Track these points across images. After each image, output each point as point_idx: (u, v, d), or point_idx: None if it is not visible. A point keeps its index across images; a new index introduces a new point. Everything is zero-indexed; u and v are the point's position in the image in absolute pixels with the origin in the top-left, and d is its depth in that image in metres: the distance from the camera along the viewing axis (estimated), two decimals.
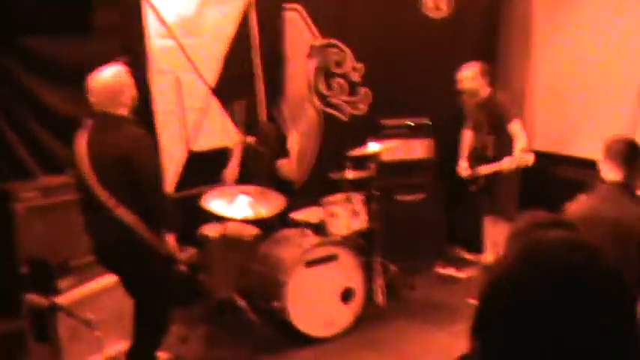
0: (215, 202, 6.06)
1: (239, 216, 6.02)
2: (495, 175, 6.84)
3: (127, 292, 4.91)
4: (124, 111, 4.70)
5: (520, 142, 6.56)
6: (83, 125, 4.77)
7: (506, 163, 6.47)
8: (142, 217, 4.56)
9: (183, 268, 4.98)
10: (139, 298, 4.85)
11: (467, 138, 7.25)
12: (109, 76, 4.74)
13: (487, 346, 1.33)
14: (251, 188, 6.21)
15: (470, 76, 6.77)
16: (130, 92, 4.81)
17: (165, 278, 4.83)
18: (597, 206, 4.11)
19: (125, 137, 4.57)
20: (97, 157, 4.58)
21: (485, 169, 6.83)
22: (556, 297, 1.23)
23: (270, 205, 6.27)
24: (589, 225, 3.85)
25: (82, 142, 4.64)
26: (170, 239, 4.75)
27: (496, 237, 7.27)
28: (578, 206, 4.24)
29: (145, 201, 4.56)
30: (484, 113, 6.80)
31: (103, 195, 4.52)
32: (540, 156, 7.11)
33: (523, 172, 6.94)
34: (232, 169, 6.60)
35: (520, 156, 6.44)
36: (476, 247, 7.67)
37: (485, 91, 6.82)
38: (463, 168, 7.11)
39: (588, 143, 7.19)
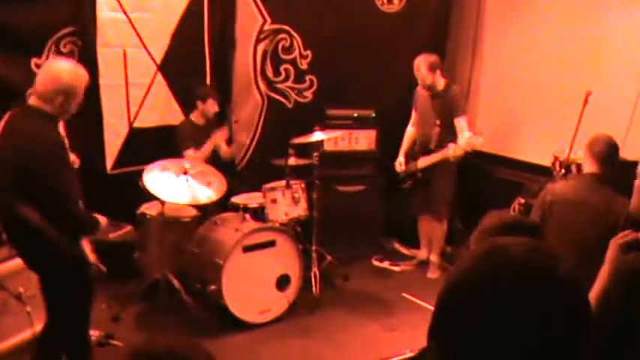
0: (155, 182, 5.96)
1: (177, 201, 5.94)
2: (432, 172, 6.92)
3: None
4: (57, 111, 4.28)
5: (463, 137, 6.64)
6: (13, 107, 4.51)
7: (452, 149, 6.54)
8: (49, 218, 4.23)
9: (100, 267, 4.79)
10: (47, 292, 4.58)
11: (409, 134, 7.32)
12: (67, 71, 4.30)
13: (442, 345, 1.33)
14: (195, 167, 6.14)
15: (423, 72, 6.82)
16: (75, 99, 4.37)
17: (75, 279, 4.48)
18: (579, 191, 4.50)
19: (42, 137, 4.21)
20: (8, 148, 4.24)
21: (425, 161, 6.90)
22: (510, 299, 1.24)
23: (210, 190, 6.22)
24: (574, 206, 4.43)
25: None
26: (85, 244, 4.52)
27: (430, 235, 7.37)
28: (562, 189, 4.63)
29: (53, 210, 4.22)
30: (436, 105, 6.88)
31: (10, 188, 4.20)
32: (479, 156, 7.22)
33: (460, 171, 7.05)
34: (199, 158, 6.64)
35: (469, 140, 6.52)
36: (412, 241, 7.76)
37: (440, 83, 6.92)
38: (399, 163, 7.19)
39: (528, 146, 7.34)
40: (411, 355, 1.68)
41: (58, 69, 4.30)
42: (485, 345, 1.25)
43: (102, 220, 4.63)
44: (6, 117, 4.34)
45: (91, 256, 4.59)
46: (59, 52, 6.38)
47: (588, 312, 1.30)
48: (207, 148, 6.78)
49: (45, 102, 4.24)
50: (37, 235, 4.24)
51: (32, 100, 4.31)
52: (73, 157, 4.89)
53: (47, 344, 4.65)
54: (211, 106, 6.89)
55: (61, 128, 4.88)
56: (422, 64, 6.83)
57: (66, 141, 4.68)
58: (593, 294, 2.79)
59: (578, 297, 1.29)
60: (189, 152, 6.68)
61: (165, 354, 1.73)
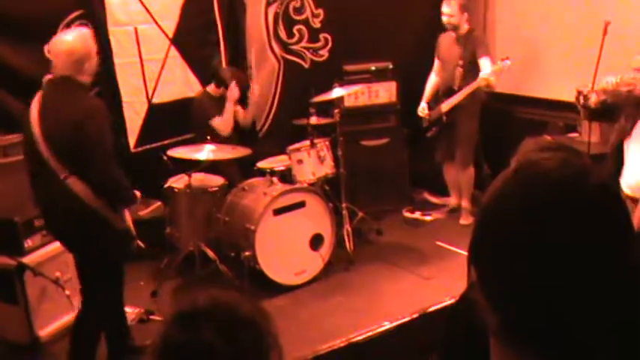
0: (181, 151, 6.03)
1: (203, 158, 5.97)
2: (456, 117, 6.87)
3: (76, 264, 4.78)
4: (85, 79, 4.45)
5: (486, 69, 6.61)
6: (41, 88, 4.59)
7: (478, 81, 6.50)
8: (95, 190, 4.33)
9: (139, 244, 4.83)
10: (87, 272, 4.68)
11: (431, 82, 7.26)
12: (76, 40, 4.45)
13: (480, 272, 1.30)
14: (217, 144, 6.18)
15: (453, 11, 6.77)
16: (94, 59, 4.52)
17: (118, 255, 4.61)
18: None
19: (81, 105, 4.33)
20: (49, 122, 4.34)
21: (448, 104, 6.86)
22: (542, 212, 1.20)
23: (234, 151, 6.25)
24: None
25: (35, 107, 4.41)
26: (127, 215, 4.61)
27: (457, 181, 7.32)
28: None
29: (96, 172, 4.32)
30: (459, 47, 6.82)
31: (53, 162, 4.29)
32: (500, 98, 7.15)
33: (483, 115, 6.98)
34: (226, 121, 6.67)
35: (494, 68, 6.47)
36: (441, 190, 7.72)
37: (464, 26, 6.89)
38: (422, 109, 7.15)
39: (549, 83, 7.24)
40: (451, 301, 1.65)
41: (68, 43, 4.41)
42: (521, 264, 1.22)
43: (137, 193, 4.72)
44: (39, 96, 4.43)
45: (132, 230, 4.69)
46: None
47: (625, 221, 1.26)
48: (229, 110, 6.73)
49: (72, 70, 4.36)
50: (84, 210, 4.32)
51: (57, 73, 4.42)
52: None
53: (84, 326, 4.70)
54: (231, 88, 6.86)
55: None
56: (454, 3, 6.78)
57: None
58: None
59: (613, 204, 1.24)
60: (217, 120, 6.67)
61: (208, 305, 1.73)
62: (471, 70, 6.75)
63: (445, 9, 6.83)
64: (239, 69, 7.17)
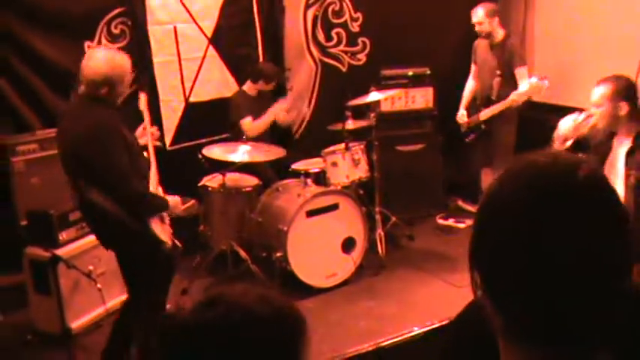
0: (216, 151, 6.05)
1: (237, 160, 5.98)
2: (494, 123, 6.83)
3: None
4: (106, 95, 4.33)
5: (524, 83, 6.55)
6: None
7: (515, 96, 6.46)
8: (116, 201, 4.30)
9: (167, 247, 4.83)
10: (124, 276, 4.69)
11: (469, 88, 7.23)
12: (106, 65, 4.32)
13: (481, 273, 1.31)
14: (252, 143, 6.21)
15: (480, 18, 6.75)
16: (125, 84, 4.47)
17: (147, 261, 4.55)
18: None
19: (87, 121, 4.26)
20: (62, 137, 4.40)
21: (488, 112, 6.81)
22: (535, 207, 1.20)
23: (268, 153, 6.28)
24: None
25: (60, 124, 4.50)
26: (154, 223, 4.56)
27: None
28: None
29: (109, 189, 4.28)
30: (495, 55, 6.79)
31: (70, 180, 4.37)
32: (538, 107, 7.08)
33: (519, 124, 6.93)
34: (258, 127, 6.72)
35: (533, 85, 6.41)
36: (475, 198, 7.67)
37: (498, 33, 6.83)
38: (461, 115, 7.11)
39: (588, 94, 7.14)
40: None
41: (96, 61, 4.33)
42: (519, 261, 1.21)
43: (172, 199, 4.71)
44: (68, 107, 4.49)
45: (166, 234, 4.66)
46: (111, 34, 6.48)
47: (618, 209, 1.25)
48: (267, 119, 6.78)
49: (89, 89, 4.33)
50: (108, 217, 4.32)
51: (82, 89, 4.42)
52: (153, 129, 4.98)
53: (123, 321, 4.74)
54: (270, 87, 6.93)
55: (143, 104, 5.05)
56: (480, 10, 6.77)
57: (147, 117, 4.87)
58: None
59: (604, 193, 1.23)
60: (247, 120, 6.69)
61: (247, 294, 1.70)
62: (509, 79, 6.72)
63: (474, 18, 6.82)
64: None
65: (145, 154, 4.76)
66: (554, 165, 1.25)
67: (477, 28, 6.83)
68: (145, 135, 4.91)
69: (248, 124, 6.66)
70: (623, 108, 4.19)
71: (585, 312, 1.20)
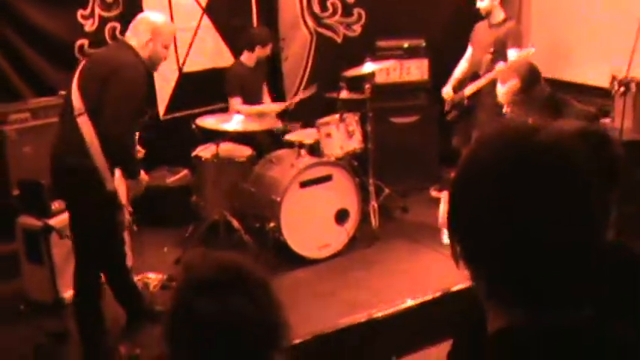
0: (209, 121, 6.01)
1: (231, 129, 5.95)
2: (477, 103, 6.74)
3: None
4: (143, 49, 4.52)
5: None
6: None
7: (497, 69, 6.37)
8: (100, 140, 4.31)
9: (130, 220, 4.82)
10: (73, 225, 4.67)
11: (461, 68, 7.11)
12: (157, 16, 4.72)
13: (460, 240, 1.31)
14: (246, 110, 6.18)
15: None
16: (166, 45, 4.67)
17: (103, 216, 4.52)
18: None
19: (123, 59, 4.41)
20: (89, 65, 4.49)
21: (471, 87, 6.73)
22: (497, 169, 1.24)
23: (263, 122, 6.26)
24: None
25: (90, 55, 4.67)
26: (120, 182, 4.57)
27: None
28: None
29: (107, 124, 4.28)
30: (491, 34, 6.69)
31: (75, 98, 4.34)
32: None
33: None
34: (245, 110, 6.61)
35: (518, 55, 6.34)
36: None
37: (498, 13, 6.68)
38: (447, 92, 6.98)
39: (583, 68, 7.14)
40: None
41: (149, 13, 4.80)
42: (490, 224, 1.24)
43: (143, 175, 4.72)
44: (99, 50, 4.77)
45: (126, 202, 4.69)
46: (104, 3, 6.45)
47: (579, 175, 1.24)
48: (254, 110, 6.69)
49: (133, 36, 4.54)
50: (81, 160, 4.31)
51: (127, 39, 4.60)
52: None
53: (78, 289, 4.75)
54: (268, 52, 6.86)
55: None
56: None
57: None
58: None
59: (564, 160, 1.24)
60: (236, 100, 6.66)
61: (225, 272, 1.81)
62: (499, 58, 6.63)
63: None
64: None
65: None
66: (515, 129, 1.28)
67: (477, 5, 6.72)
68: None
69: (236, 104, 6.64)
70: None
71: (562, 275, 1.22)
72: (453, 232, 1.32)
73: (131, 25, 4.63)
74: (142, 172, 4.70)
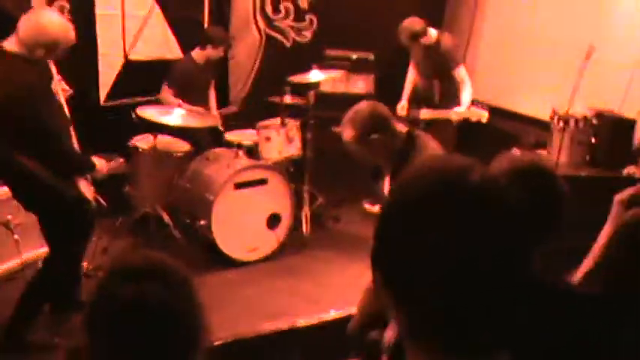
0: (149, 112, 5.93)
1: (171, 123, 5.89)
2: (434, 123, 6.83)
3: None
4: (39, 54, 4.19)
5: (466, 91, 6.59)
6: None
7: (455, 114, 6.48)
8: (43, 163, 4.21)
9: (100, 201, 4.75)
10: (46, 234, 4.62)
11: (410, 79, 7.19)
12: (53, 28, 4.20)
13: (382, 274, 1.31)
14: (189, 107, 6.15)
15: (402, 36, 6.66)
16: (62, 51, 4.30)
17: (70, 221, 4.48)
18: None
19: (17, 79, 4.13)
20: None
21: (428, 113, 6.80)
22: (424, 208, 1.22)
23: (203, 120, 6.23)
24: None
25: None
26: (81, 183, 4.52)
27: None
28: None
29: (37, 149, 4.18)
30: (430, 58, 6.76)
31: None
32: (477, 106, 7.15)
33: (458, 133, 6.96)
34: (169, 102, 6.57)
35: (473, 111, 6.45)
36: None
37: (430, 38, 6.72)
38: (402, 107, 7.08)
39: (526, 99, 7.27)
40: None
41: (44, 21, 4.20)
42: (414, 263, 1.21)
43: (99, 161, 4.64)
44: None
45: (90, 193, 4.59)
46: None
47: (507, 218, 1.23)
48: (192, 109, 6.61)
49: (24, 49, 4.16)
50: (33, 179, 4.22)
51: (9, 44, 4.20)
52: (64, 86, 4.85)
53: (44, 274, 4.65)
54: (220, 53, 6.81)
55: (52, 65, 4.80)
56: (403, 32, 6.66)
57: (55, 77, 4.65)
58: (595, 250, 2.76)
59: (492, 202, 1.22)
60: (169, 91, 6.64)
61: (148, 263, 1.81)
62: (448, 82, 6.72)
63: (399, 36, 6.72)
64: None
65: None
66: (446, 167, 1.27)
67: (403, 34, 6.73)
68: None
69: (166, 92, 6.63)
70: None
71: (483, 316, 1.20)
72: (376, 261, 1.31)
73: (22, 29, 4.18)
74: (95, 159, 4.62)
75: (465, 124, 6.92)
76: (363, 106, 4.07)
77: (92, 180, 4.74)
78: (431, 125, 6.83)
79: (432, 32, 6.76)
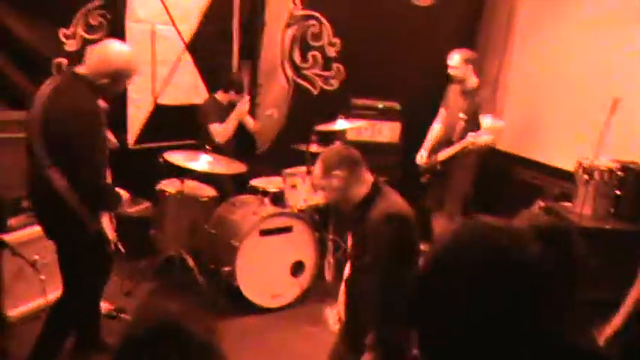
0: (176, 157, 5.99)
1: (198, 168, 5.97)
2: (451, 167, 6.84)
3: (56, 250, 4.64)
4: (103, 83, 4.33)
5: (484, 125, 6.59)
6: (60, 74, 4.52)
7: (470, 138, 6.46)
8: (74, 187, 4.24)
9: (112, 248, 4.76)
10: (64, 262, 4.58)
11: (434, 131, 7.23)
12: (118, 59, 4.36)
13: (420, 327, 1.32)
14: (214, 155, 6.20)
15: (456, 63, 6.75)
16: (126, 82, 4.55)
17: (89, 257, 4.47)
18: None
19: (84, 105, 4.23)
20: (50, 109, 4.26)
21: (444, 154, 6.83)
22: (474, 274, 1.26)
23: (229, 167, 6.26)
24: None
25: (45, 90, 4.32)
26: (104, 220, 4.52)
27: (442, 232, 7.24)
28: None
29: (79, 175, 4.22)
30: (464, 101, 6.79)
31: (39, 148, 4.23)
32: (500, 155, 7.15)
33: (480, 170, 6.96)
34: (226, 130, 6.67)
35: (486, 129, 6.45)
36: (428, 236, 7.68)
37: (471, 80, 6.83)
38: (420, 157, 7.11)
39: (551, 149, 7.24)
40: None
41: (110, 52, 4.34)
42: (454, 326, 1.26)
43: (124, 194, 4.64)
44: (53, 81, 4.39)
45: (112, 234, 4.60)
46: (88, 25, 6.42)
47: (549, 300, 1.28)
48: (232, 120, 6.75)
49: (91, 76, 4.30)
50: (61, 203, 4.24)
51: (80, 69, 4.37)
52: (109, 135, 4.91)
53: (58, 313, 4.63)
54: (242, 101, 6.87)
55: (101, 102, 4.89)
56: (457, 55, 6.76)
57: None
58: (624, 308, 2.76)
59: (525, 279, 1.27)
60: (216, 126, 6.69)
61: (167, 325, 1.73)
62: (473, 125, 6.72)
63: (449, 61, 6.81)
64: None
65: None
66: (497, 238, 1.28)
67: (450, 72, 6.83)
68: None
69: (217, 129, 6.66)
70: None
71: None
72: (414, 317, 1.32)
73: (90, 59, 4.40)
74: (118, 191, 4.61)
75: (487, 172, 6.92)
76: (335, 145, 4.19)
77: (116, 222, 4.75)
78: (448, 168, 6.85)
79: (474, 79, 6.85)
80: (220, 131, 6.65)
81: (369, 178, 3.84)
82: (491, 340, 1.21)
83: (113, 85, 4.39)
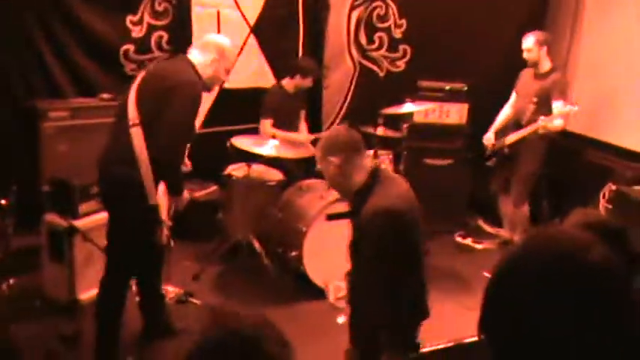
0: (244, 142, 6.02)
1: (265, 153, 6.00)
2: (519, 151, 6.73)
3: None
4: (206, 69, 4.55)
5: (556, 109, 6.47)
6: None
7: (541, 122, 6.36)
8: (150, 153, 4.27)
9: (169, 239, 4.79)
10: (110, 234, 4.62)
11: (504, 114, 7.11)
12: (224, 40, 4.79)
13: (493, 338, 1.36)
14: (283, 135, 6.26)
15: (529, 45, 6.62)
16: (226, 70, 4.76)
17: (141, 226, 4.48)
18: None
19: (184, 76, 4.37)
20: (149, 77, 4.44)
21: (513, 137, 6.73)
22: (545, 284, 1.28)
23: (296, 151, 6.27)
24: None
25: (149, 67, 4.59)
26: (163, 200, 4.57)
27: (511, 215, 7.18)
28: None
29: (161, 141, 4.26)
30: (536, 84, 6.66)
31: (131, 109, 4.31)
32: (570, 136, 7.01)
33: (550, 151, 6.82)
34: (269, 133, 6.64)
35: (559, 112, 6.34)
36: (496, 220, 7.61)
37: (545, 63, 6.69)
38: (487, 139, 7.02)
39: (623, 130, 7.08)
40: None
41: (216, 35, 4.95)
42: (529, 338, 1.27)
43: (186, 193, 4.71)
44: (160, 59, 4.57)
45: (167, 221, 4.65)
46: (154, 11, 6.49)
47: (619, 298, 1.29)
48: (283, 135, 6.63)
49: (198, 54, 4.56)
50: (129, 169, 4.27)
51: (190, 55, 4.58)
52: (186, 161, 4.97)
53: (101, 294, 4.68)
54: (309, 83, 6.85)
55: None
56: (531, 37, 6.63)
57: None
58: None
59: (608, 282, 1.28)
60: (267, 122, 6.71)
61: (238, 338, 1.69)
62: (543, 108, 6.59)
63: (524, 44, 6.68)
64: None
65: None
66: (567, 244, 1.32)
67: (525, 55, 6.68)
68: None
69: (265, 125, 6.70)
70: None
71: None
72: (484, 325, 1.32)
73: (198, 43, 4.68)
74: (185, 190, 4.69)
75: (557, 153, 6.80)
76: (338, 128, 4.10)
77: (172, 214, 4.79)
78: (515, 151, 6.75)
79: (547, 62, 6.72)
80: (265, 130, 6.65)
81: (368, 164, 3.70)
82: (569, 341, 1.21)
83: (215, 64, 4.59)
